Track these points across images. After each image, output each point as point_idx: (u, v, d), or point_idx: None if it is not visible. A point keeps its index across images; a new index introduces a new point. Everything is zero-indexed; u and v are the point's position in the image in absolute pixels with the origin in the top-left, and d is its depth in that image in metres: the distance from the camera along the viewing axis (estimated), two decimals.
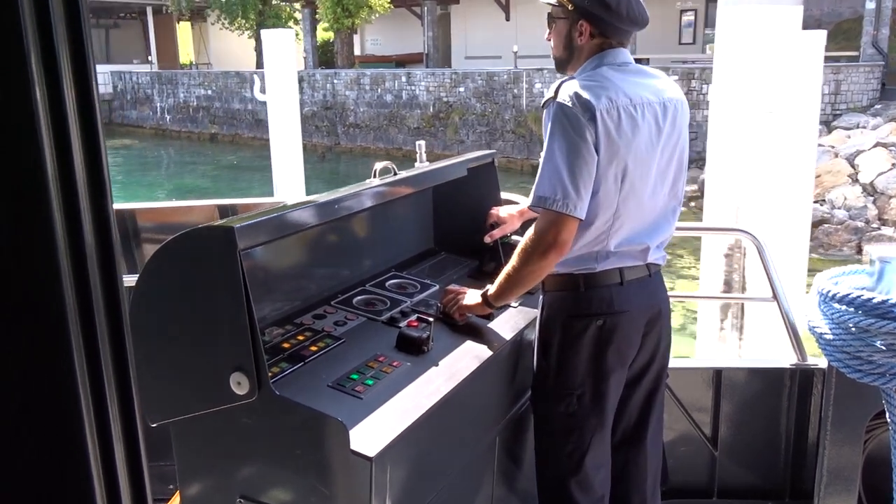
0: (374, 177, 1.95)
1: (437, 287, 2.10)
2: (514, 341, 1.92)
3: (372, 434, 1.40)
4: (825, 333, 1.91)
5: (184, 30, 33.36)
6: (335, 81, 20.63)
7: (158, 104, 25.86)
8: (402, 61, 25.35)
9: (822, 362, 2.42)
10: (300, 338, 1.70)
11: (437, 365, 1.70)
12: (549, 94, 1.76)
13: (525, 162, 16.87)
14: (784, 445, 2.62)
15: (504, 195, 2.41)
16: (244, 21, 26.28)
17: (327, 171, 19.08)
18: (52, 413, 0.54)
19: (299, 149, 9.11)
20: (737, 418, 2.64)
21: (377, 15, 23.43)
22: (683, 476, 2.57)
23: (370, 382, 1.57)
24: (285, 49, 8.96)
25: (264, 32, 9.61)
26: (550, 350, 1.87)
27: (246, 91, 22.75)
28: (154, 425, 1.53)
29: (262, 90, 9.48)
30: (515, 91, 17.04)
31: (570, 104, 1.69)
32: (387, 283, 2.09)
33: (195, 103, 24.65)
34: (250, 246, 1.46)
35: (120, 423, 0.57)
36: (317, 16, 25.23)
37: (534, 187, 1.73)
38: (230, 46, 30.52)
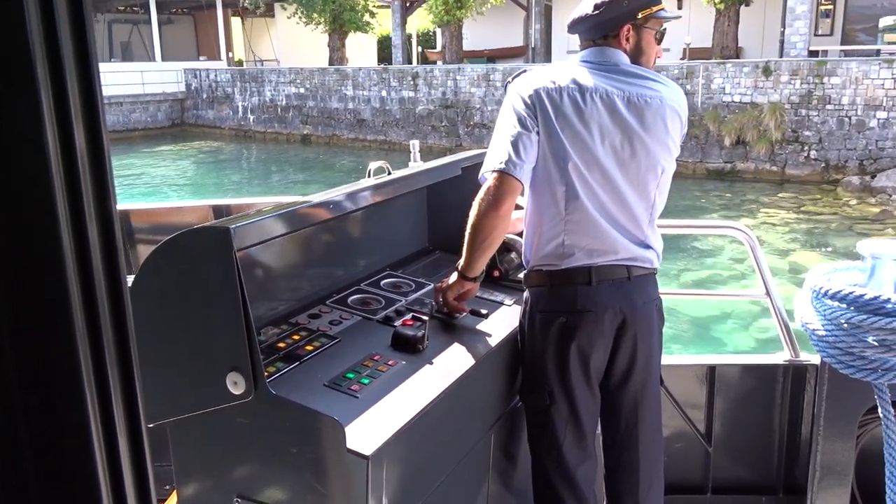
0: (369, 176, 1.99)
1: (432, 286, 2.08)
2: (509, 339, 1.93)
3: (368, 432, 1.40)
4: (818, 330, 1.95)
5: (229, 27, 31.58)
6: (458, 78, 18.94)
7: (240, 103, 24.27)
8: (494, 56, 23.73)
9: (815, 359, 2.39)
10: (296, 337, 1.72)
11: (432, 363, 1.70)
12: (509, 79, 1.90)
13: (699, 165, 15.22)
14: (777, 441, 2.62)
15: None
16: (320, 16, 24.67)
17: None
18: (58, 413, 0.54)
19: None
20: (730, 415, 2.65)
21: (489, 5, 21.76)
22: (678, 472, 2.57)
23: (366, 381, 1.58)
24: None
25: None
26: (525, 344, 1.92)
27: (346, 89, 21.06)
28: (150, 425, 1.48)
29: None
30: (689, 87, 15.35)
31: (517, 85, 1.84)
32: (382, 283, 2.11)
33: (284, 102, 23.03)
34: (246, 246, 1.48)
35: (125, 423, 0.57)
36: (410, 6, 23.52)
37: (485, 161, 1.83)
38: (298, 42, 28.78)
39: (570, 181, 1.79)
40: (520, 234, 2.10)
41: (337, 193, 1.77)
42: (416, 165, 2.30)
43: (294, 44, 29.60)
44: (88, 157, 0.54)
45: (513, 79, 1.87)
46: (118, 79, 24.45)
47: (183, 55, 27.56)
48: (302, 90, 22.54)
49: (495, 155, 1.79)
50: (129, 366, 0.58)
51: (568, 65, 1.87)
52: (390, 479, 1.44)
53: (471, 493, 1.93)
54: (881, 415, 1.94)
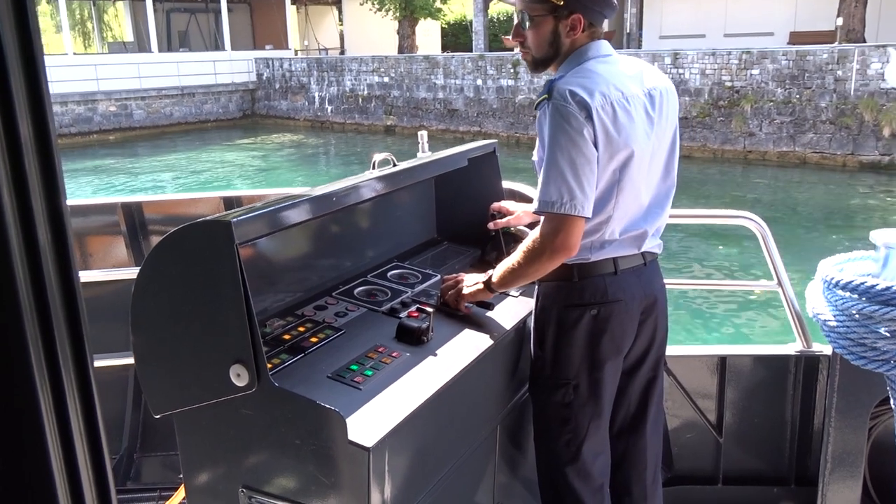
0: (373, 168, 1.94)
1: (439, 277, 2.08)
2: (514, 331, 1.91)
3: (370, 424, 1.41)
4: (829, 320, 1.92)
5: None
6: None
7: (316, 93, 23.39)
8: None
9: (828, 349, 2.40)
10: (301, 329, 1.71)
11: (436, 355, 1.69)
12: (541, 94, 1.74)
13: (850, 158, 14.10)
14: (789, 432, 2.61)
15: (507, 185, 2.37)
16: (391, 2, 23.75)
17: None
18: (10, 412, 0.54)
19: None
20: (741, 405, 2.62)
21: None
22: (688, 463, 2.61)
23: (369, 373, 1.57)
24: None
25: None
26: (546, 340, 1.87)
27: (436, 77, 20.09)
28: (158, 416, 1.55)
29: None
30: (840, 73, 14.21)
31: (564, 104, 1.68)
32: (388, 274, 2.08)
33: (365, 92, 22.12)
34: (249, 239, 1.47)
35: (81, 417, 0.57)
36: None
37: (538, 191, 1.72)
38: (365, 30, 27.83)
39: (619, 184, 1.76)
40: (529, 226, 2.09)
41: (341, 185, 1.75)
42: (423, 156, 2.22)
43: (361, 32, 28.68)
44: (36, 153, 0.52)
45: (548, 93, 1.71)
46: (190, 69, 23.68)
47: (240, 44, 26.72)
48: (386, 79, 21.63)
49: (559, 191, 1.68)
50: (83, 363, 0.57)
51: (587, 68, 1.76)
52: (392, 470, 1.44)
53: (477, 485, 1.93)
54: (893, 406, 1.90)
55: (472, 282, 1.89)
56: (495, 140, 2.44)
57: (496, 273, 1.84)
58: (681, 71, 16.09)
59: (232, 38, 27.21)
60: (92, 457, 0.58)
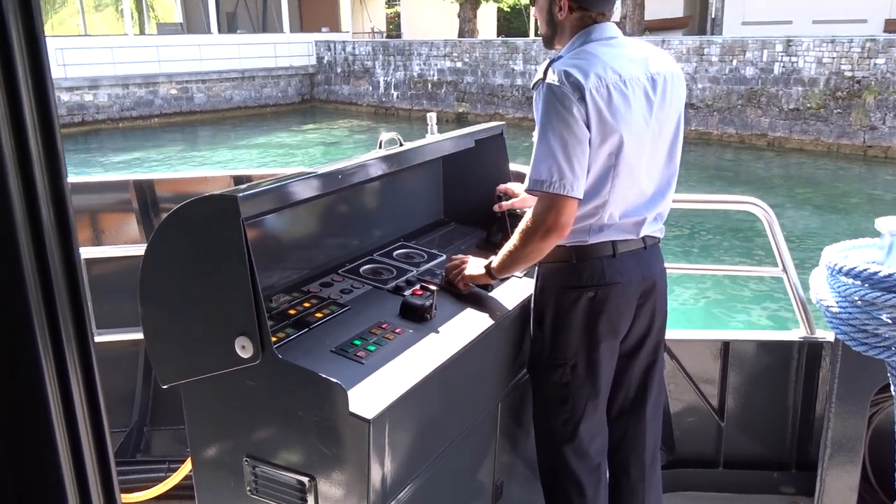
0: (380, 147, 1.96)
1: (444, 257, 2.10)
2: (517, 312, 1.92)
3: (371, 397, 1.42)
4: (832, 306, 1.94)
5: None
6: None
7: (381, 78, 22.57)
8: (651, 28, 21.61)
9: (830, 336, 2.42)
10: (306, 305, 1.73)
11: (438, 332, 1.71)
12: (537, 74, 1.74)
13: None
14: (791, 417, 2.62)
15: (515, 167, 2.35)
16: None
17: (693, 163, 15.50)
18: (16, 386, 0.55)
19: None
20: (744, 390, 2.63)
21: None
22: (690, 446, 2.64)
23: (372, 348, 1.59)
24: None
25: None
26: (544, 321, 1.88)
27: (515, 63, 19.25)
28: (165, 387, 1.58)
29: None
30: None
31: (558, 84, 1.68)
32: (394, 253, 2.10)
33: (436, 77, 21.29)
34: (254, 215, 1.50)
35: (83, 389, 0.58)
36: None
37: (529, 170, 1.72)
38: (423, 13, 26.94)
39: (615, 167, 1.74)
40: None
41: (347, 164, 1.74)
42: (431, 137, 2.21)
43: (418, 15, 27.78)
44: (39, 130, 0.53)
45: (544, 75, 1.72)
46: (251, 51, 22.92)
47: (278, 27, 25.87)
48: (459, 64, 20.78)
49: (549, 170, 1.68)
50: (84, 335, 0.58)
51: (587, 51, 1.76)
52: (393, 443, 1.47)
53: (477, 462, 1.93)
54: (894, 393, 1.87)
55: (474, 265, 1.90)
56: (503, 122, 2.43)
57: (496, 258, 1.84)
58: (793, 59, 15.15)
59: (271, 22, 26.41)
60: (93, 428, 0.59)
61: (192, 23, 27.77)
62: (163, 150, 17.99)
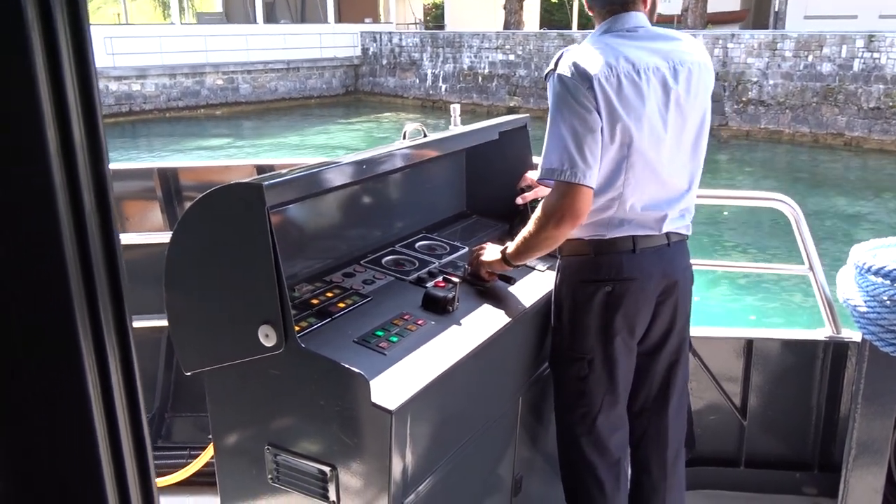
0: (404, 138, 1.95)
1: (466, 249, 2.11)
2: (539, 305, 1.91)
3: (393, 388, 1.42)
4: (859, 306, 1.91)
5: None
6: (728, 46, 16.36)
7: (429, 70, 22.10)
8: (706, 22, 20.95)
9: (857, 336, 2.38)
10: (329, 294, 1.73)
11: (460, 325, 1.70)
12: (549, 65, 1.75)
13: None
14: (815, 417, 2.59)
15: (538, 160, 2.12)
16: None
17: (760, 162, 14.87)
18: (55, 371, 0.56)
19: None
20: (767, 389, 2.60)
21: None
22: (711, 445, 2.59)
23: (394, 339, 1.59)
24: None
25: None
26: (562, 314, 1.88)
27: None
28: (188, 374, 1.59)
29: None
30: None
31: (568, 74, 1.69)
32: (417, 245, 2.11)
33: (486, 70, 20.79)
34: (279, 203, 1.50)
35: (121, 374, 0.58)
36: None
37: (541, 160, 1.72)
38: (466, 5, 26.44)
39: (628, 159, 1.72)
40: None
41: (371, 154, 1.74)
42: (454, 129, 2.23)
43: (462, 6, 27.27)
44: (82, 116, 0.53)
45: (555, 65, 1.73)
46: (295, 42, 22.56)
47: (318, 17, 25.42)
48: (512, 57, 20.28)
49: (560, 159, 1.67)
50: (123, 323, 0.58)
51: (602, 41, 1.75)
52: (414, 434, 1.46)
53: (497, 454, 1.92)
54: None
55: (491, 251, 1.91)
56: (527, 115, 2.39)
57: (512, 245, 1.84)
58: (875, 56, 14.52)
59: (309, 11, 26.01)
60: (130, 414, 0.59)
61: (232, 12, 27.47)
62: (210, 141, 17.70)
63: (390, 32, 23.77)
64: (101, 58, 19.05)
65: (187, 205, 3.56)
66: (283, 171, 1.56)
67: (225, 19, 26.64)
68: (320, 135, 18.81)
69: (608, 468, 1.92)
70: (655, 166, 1.74)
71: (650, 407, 1.96)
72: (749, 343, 2.57)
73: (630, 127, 1.68)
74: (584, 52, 1.70)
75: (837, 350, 2.51)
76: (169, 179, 3.19)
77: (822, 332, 2.54)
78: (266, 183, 1.38)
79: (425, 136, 2.00)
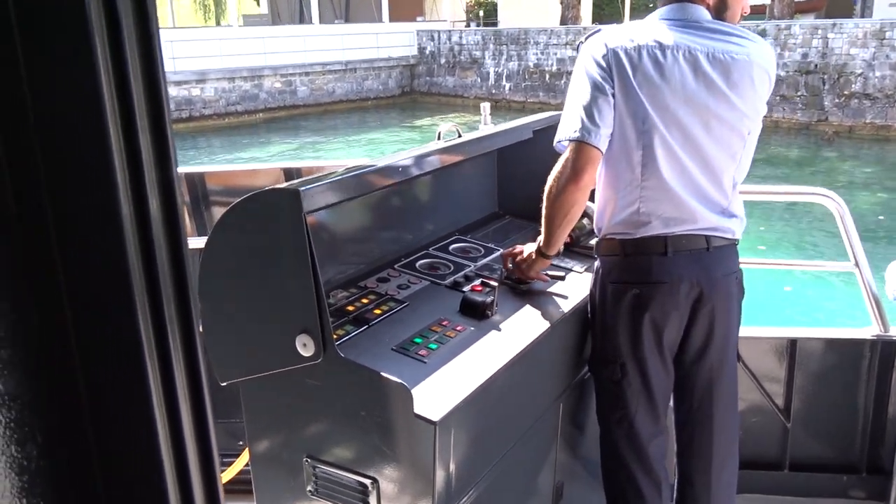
0: (438, 139, 1.93)
1: (501, 251, 2.05)
2: (579, 308, 1.87)
3: (436, 398, 1.39)
4: None
5: None
6: (830, 36, 15.42)
7: (492, 69, 21.30)
8: (754, 11, 19.98)
9: None
10: (364, 301, 1.71)
11: (500, 330, 1.67)
12: (583, 38, 1.78)
13: None
14: (861, 419, 2.52)
15: None
16: None
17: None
18: (121, 389, 0.54)
19: None
20: (811, 390, 2.54)
21: None
22: (753, 447, 2.49)
23: (434, 346, 1.56)
24: None
25: None
26: (595, 316, 1.86)
27: None
28: (224, 384, 1.54)
29: None
30: None
31: (590, 45, 1.73)
32: (450, 247, 2.08)
33: (554, 67, 19.96)
34: (315, 209, 1.47)
35: (186, 383, 0.56)
36: None
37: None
38: (519, 1, 25.64)
39: (648, 144, 1.70)
40: (591, 199, 2.04)
41: (406, 156, 1.73)
42: (487, 128, 2.24)
43: (512, 3, 26.44)
44: (149, 120, 0.52)
45: (586, 38, 1.77)
46: (352, 42, 21.88)
47: (364, 16, 24.69)
48: None
49: (569, 122, 1.71)
50: (190, 330, 0.56)
51: (645, 23, 1.77)
52: (457, 445, 1.43)
53: (539, 461, 1.89)
54: None
55: (528, 250, 1.87)
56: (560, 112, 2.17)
57: (541, 235, 1.81)
58: None
59: (354, 10, 25.29)
60: (197, 427, 0.57)
61: (277, 13, 26.89)
62: (274, 148, 17.04)
63: (449, 30, 23.00)
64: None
65: (214, 209, 3.28)
66: (316, 175, 1.55)
67: (269, 21, 26.06)
68: (390, 137, 18.10)
69: (646, 475, 1.89)
70: (681, 158, 1.70)
71: (694, 417, 1.91)
72: (792, 343, 2.50)
73: (646, 101, 1.67)
74: (618, 28, 1.73)
75: (885, 349, 2.44)
76: (196, 184, 3.13)
77: (868, 331, 2.47)
78: (304, 188, 1.37)
79: (460, 135, 1.99)
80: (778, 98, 16.11)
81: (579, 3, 23.73)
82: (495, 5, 29.16)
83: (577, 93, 1.70)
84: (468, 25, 27.31)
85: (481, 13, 27.19)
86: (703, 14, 1.74)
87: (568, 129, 1.69)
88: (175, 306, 0.55)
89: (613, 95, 1.66)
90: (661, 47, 1.67)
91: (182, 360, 0.56)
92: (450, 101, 22.23)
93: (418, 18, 25.07)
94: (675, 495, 1.98)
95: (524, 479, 1.83)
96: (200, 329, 1.45)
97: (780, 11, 18.02)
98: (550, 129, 2.11)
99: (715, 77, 1.69)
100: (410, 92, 23.49)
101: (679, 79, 1.67)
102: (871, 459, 2.52)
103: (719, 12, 1.76)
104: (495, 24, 25.20)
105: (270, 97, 20.47)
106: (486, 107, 2.34)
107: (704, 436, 1.90)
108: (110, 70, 0.49)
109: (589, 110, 1.65)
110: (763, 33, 16.21)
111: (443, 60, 22.64)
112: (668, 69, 1.67)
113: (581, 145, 1.65)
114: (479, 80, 21.79)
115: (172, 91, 18.70)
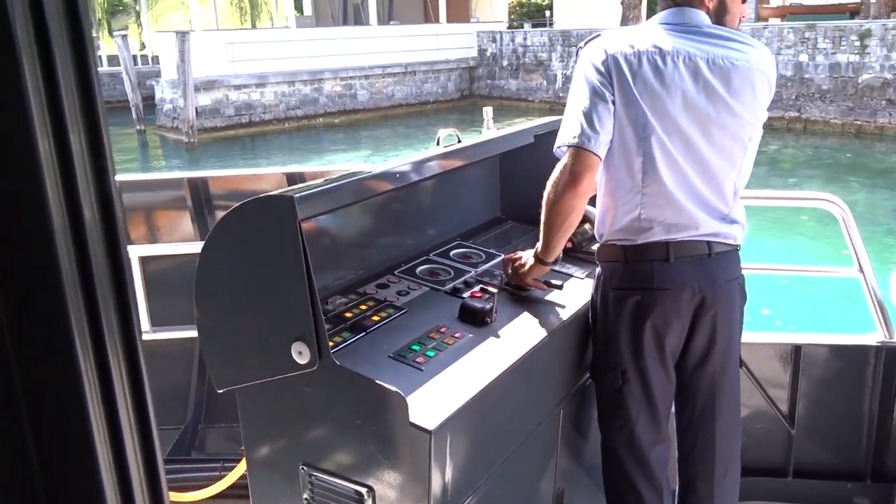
0: (438, 144, 1.96)
1: (502, 257, 2.04)
2: (579, 314, 1.87)
3: (431, 406, 1.38)
4: None
5: None
6: None
7: (559, 71, 20.40)
8: (813, 12, 19.04)
9: None
10: (363, 307, 1.70)
11: (499, 337, 1.67)
12: (581, 44, 1.77)
13: None
14: (866, 426, 2.50)
15: None
16: None
17: None
18: (57, 395, 0.53)
19: None
20: (816, 396, 2.53)
21: None
22: (757, 454, 2.48)
23: (431, 354, 1.55)
24: None
25: None
26: (597, 323, 1.86)
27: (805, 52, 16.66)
28: (220, 391, 1.55)
29: None
30: None
31: (589, 50, 1.73)
32: (451, 253, 2.07)
33: None
34: (311, 215, 1.46)
35: (127, 388, 0.55)
36: None
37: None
38: (576, 2, 24.72)
39: (648, 151, 1.70)
40: (591, 204, 2.03)
41: (405, 162, 1.72)
42: (488, 133, 2.23)
43: (567, 4, 25.52)
44: (83, 132, 0.50)
45: (584, 44, 1.76)
46: (412, 44, 21.03)
47: (409, 18, 23.85)
48: None
49: (568, 128, 1.71)
50: (132, 342, 0.55)
51: (645, 28, 1.77)
52: (454, 453, 1.43)
53: (539, 469, 1.89)
54: None
55: (527, 257, 1.86)
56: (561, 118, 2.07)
57: (539, 242, 1.81)
58: None
59: (397, 11, 24.43)
60: (139, 430, 0.56)
61: (321, 15, 26.11)
62: (342, 155, 16.20)
63: (512, 31, 22.11)
64: (223, 66, 17.74)
65: (218, 214, 3.25)
66: (315, 181, 1.55)
67: (314, 23, 25.26)
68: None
69: (648, 482, 1.87)
70: (680, 164, 1.69)
71: (697, 424, 1.89)
72: (797, 349, 2.47)
73: (646, 108, 1.66)
74: (618, 33, 1.74)
75: (890, 355, 2.41)
76: (199, 189, 3.12)
77: (873, 337, 2.43)
78: (298, 195, 1.36)
79: (459, 141, 2.02)
80: (883, 103, 15.12)
81: (641, 2, 22.77)
82: (539, 6, 28.25)
83: (577, 99, 1.70)
84: (511, 27, 26.40)
85: (510, 16, 26.24)
86: (703, 19, 1.74)
87: (567, 135, 1.69)
88: (114, 312, 0.52)
89: (613, 102, 1.67)
90: (661, 53, 1.67)
91: (122, 366, 0.53)
92: (514, 105, 21.33)
93: (472, 19, 24.19)
94: (677, 502, 1.98)
95: (524, 486, 1.82)
96: (198, 335, 1.50)
97: (878, 10, 17.01)
98: (552, 133, 2.01)
99: (715, 84, 1.69)
100: (470, 95, 22.63)
101: (679, 85, 1.67)
102: (875, 467, 2.51)
103: (719, 16, 1.76)
104: (543, 25, 24.27)
105: (330, 101, 19.69)
106: (488, 111, 2.35)
107: (707, 442, 1.90)
108: (38, 72, 0.46)
109: (588, 116, 1.66)
110: (868, 34, 15.23)
111: (505, 62, 21.76)
112: (669, 76, 1.67)
113: (580, 151, 1.67)
114: (544, 82, 20.90)
115: (232, 95, 17.92)
